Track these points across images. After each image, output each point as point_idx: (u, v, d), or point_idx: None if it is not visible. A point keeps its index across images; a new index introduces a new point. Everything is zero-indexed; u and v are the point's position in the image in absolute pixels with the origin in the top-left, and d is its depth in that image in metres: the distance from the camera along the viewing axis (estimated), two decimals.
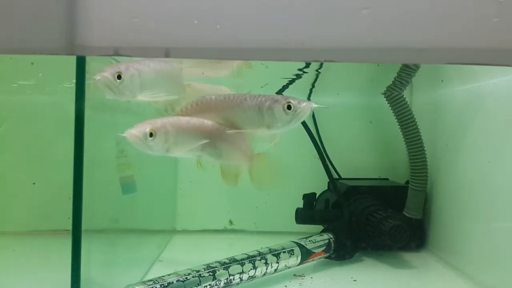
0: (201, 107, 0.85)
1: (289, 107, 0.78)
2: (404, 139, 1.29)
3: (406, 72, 1.21)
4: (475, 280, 1.05)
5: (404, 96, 1.27)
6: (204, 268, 0.93)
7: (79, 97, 0.69)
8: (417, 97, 1.47)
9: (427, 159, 1.29)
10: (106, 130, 0.91)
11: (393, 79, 1.25)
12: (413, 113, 1.26)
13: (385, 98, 1.29)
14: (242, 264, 0.98)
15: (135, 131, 0.76)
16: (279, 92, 1.35)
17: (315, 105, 0.78)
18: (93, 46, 0.63)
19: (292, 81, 1.29)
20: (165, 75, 0.88)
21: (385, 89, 1.28)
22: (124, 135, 0.74)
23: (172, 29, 0.63)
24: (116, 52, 0.63)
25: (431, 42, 0.62)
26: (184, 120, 0.84)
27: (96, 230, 0.97)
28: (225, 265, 0.96)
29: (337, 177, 1.55)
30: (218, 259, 0.98)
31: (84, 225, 0.75)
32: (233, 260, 0.98)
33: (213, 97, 0.85)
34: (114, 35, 0.63)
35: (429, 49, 0.62)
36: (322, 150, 1.50)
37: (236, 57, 0.63)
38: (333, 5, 0.62)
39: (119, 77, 0.76)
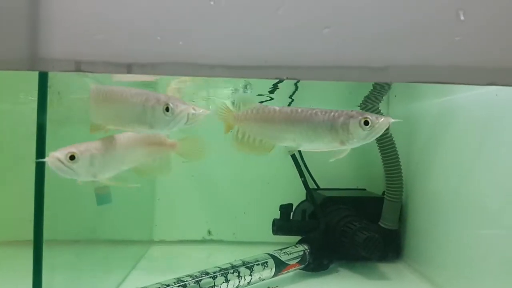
0: (262, 116, 0.81)
1: (366, 123, 0.74)
2: (379, 151, 1.30)
3: (381, 85, 1.22)
4: None
5: (380, 108, 1.28)
6: (174, 282, 0.92)
7: (41, 111, 0.68)
8: (393, 109, 1.48)
9: (402, 171, 1.30)
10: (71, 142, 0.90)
11: (368, 92, 1.26)
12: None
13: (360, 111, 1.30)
14: (214, 278, 0.98)
15: (57, 154, 0.71)
16: None
17: (393, 120, 0.75)
18: (55, 59, 0.62)
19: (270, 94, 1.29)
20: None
21: (361, 101, 1.29)
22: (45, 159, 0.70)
23: (134, 45, 0.63)
24: (78, 68, 0.62)
25: (392, 60, 0.63)
26: (110, 141, 0.81)
27: (62, 240, 0.96)
28: (196, 278, 0.95)
29: (315, 187, 1.55)
30: (194, 270, 0.98)
31: (48, 235, 0.74)
32: (205, 273, 0.98)
33: (277, 108, 0.81)
34: (76, 50, 0.63)
35: (390, 67, 0.63)
36: (301, 161, 1.50)
37: (198, 74, 0.63)
38: (295, 24, 0.62)
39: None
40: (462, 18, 0.63)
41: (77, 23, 0.63)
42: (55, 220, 0.95)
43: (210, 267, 1.02)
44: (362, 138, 0.76)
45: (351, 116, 0.76)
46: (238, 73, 0.62)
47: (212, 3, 0.62)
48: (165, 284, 0.91)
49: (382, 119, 0.74)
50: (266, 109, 0.81)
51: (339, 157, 0.82)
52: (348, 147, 0.80)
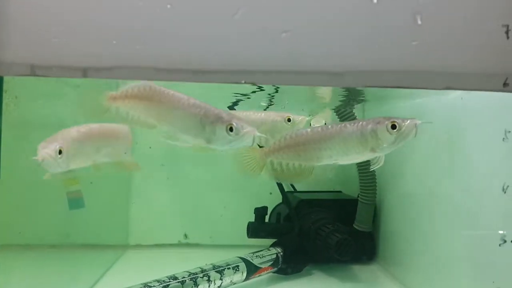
0: (295, 141, 0.83)
1: (393, 127, 0.75)
2: None
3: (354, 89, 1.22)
4: None
5: (354, 112, 1.28)
6: None
7: None
8: (369, 112, 1.48)
9: (375, 172, 1.30)
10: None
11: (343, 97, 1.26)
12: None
13: (335, 113, 1.31)
14: (183, 283, 0.97)
15: (48, 151, 0.72)
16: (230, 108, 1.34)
17: (419, 122, 0.75)
18: (10, 63, 0.61)
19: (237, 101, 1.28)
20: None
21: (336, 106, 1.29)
22: (36, 158, 0.71)
23: (90, 49, 0.62)
24: (33, 72, 0.61)
25: (350, 65, 0.63)
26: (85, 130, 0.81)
27: (24, 245, 0.95)
28: (164, 283, 0.94)
29: (291, 190, 1.55)
30: (169, 274, 0.97)
31: (8, 240, 0.72)
32: (173, 278, 0.97)
33: (307, 130, 0.83)
34: (31, 54, 0.62)
35: (348, 72, 0.63)
36: None
37: (155, 78, 0.62)
38: (253, 28, 0.62)
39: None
40: (419, 22, 0.63)
41: (32, 26, 0.62)
42: (20, 224, 0.93)
43: (180, 271, 1.01)
44: (391, 143, 0.77)
45: (378, 122, 0.76)
46: (195, 77, 0.62)
47: (169, 6, 0.62)
48: None
49: (408, 122, 0.75)
50: (296, 133, 0.83)
51: (378, 166, 0.82)
52: (381, 154, 0.80)
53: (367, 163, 1.28)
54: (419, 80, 0.64)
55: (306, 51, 0.62)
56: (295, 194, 1.50)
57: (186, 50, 0.62)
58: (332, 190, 1.57)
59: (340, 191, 1.56)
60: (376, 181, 1.31)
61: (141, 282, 0.94)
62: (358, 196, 1.35)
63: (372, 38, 0.63)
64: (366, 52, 0.63)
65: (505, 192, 0.69)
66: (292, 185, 1.56)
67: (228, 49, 0.62)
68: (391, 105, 1.30)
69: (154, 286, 0.92)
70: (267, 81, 0.63)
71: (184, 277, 0.98)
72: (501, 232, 0.69)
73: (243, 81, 0.62)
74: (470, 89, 0.66)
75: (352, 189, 1.53)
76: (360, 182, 1.32)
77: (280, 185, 1.37)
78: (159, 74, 0.61)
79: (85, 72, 0.62)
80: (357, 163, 1.31)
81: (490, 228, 0.73)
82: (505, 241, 0.68)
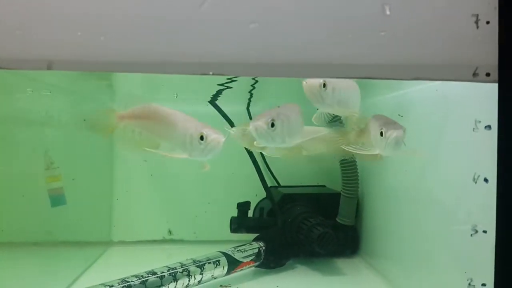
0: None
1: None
2: None
3: None
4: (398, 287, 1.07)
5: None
6: (118, 283, 0.91)
7: None
8: None
9: (357, 166, 1.30)
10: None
11: None
12: (343, 121, 1.27)
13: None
14: (161, 278, 0.97)
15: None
16: (212, 100, 1.34)
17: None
18: None
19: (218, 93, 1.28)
20: None
21: None
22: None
23: (55, 41, 0.61)
24: None
25: (319, 56, 0.62)
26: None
27: (6, 242, 0.94)
28: (142, 278, 0.94)
29: (276, 185, 1.55)
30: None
31: None
32: (152, 273, 0.96)
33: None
34: None
35: (316, 62, 0.62)
36: (262, 159, 1.50)
37: (122, 70, 0.61)
38: (220, 18, 0.62)
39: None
40: (387, 12, 0.63)
41: None
42: (5, 221, 0.92)
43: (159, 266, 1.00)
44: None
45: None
46: (161, 69, 0.61)
47: None
48: (109, 285, 0.89)
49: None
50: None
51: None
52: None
53: (349, 157, 1.29)
54: (388, 71, 0.64)
55: (274, 43, 0.62)
56: (279, 189, 1.49)
57: (152, 42, 0.61)
58: (316, 184, 1.57)
59: (324, 186, 1.56)
60: (358, 174, 1.31)
61: (119, 278, 0.93)
62: (341, 190, 1.35)
63: (340, 29, 0.62)
64: (335, 42, 0.63)
65: (476, 183, 0.69)
66: (276, 180, 1.56)
67: (195, 40, 0.61)
68: (372, 99, 1.30)
69: (132, 281, 0.92)
70: (235, 72, 0.62)
71: (163, 272, 0.98)
72: (472, 222, 0.69)
73: (210, 73, 0.61)
74: (439, 79, 0.66)
75: (336, 184, 1.53)
76: (342, 176, 1.33)
77: (263, 181, 1.36)
78: (122, 67, 0.61)
79: (50, 64, 0.61)
80: (339, 158, 1.31)
81: (463, 219, 0.73)
82: (476, 231, 0.68)
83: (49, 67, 0.61)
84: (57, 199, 1.12)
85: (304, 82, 0.77)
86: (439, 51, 0.64)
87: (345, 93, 0.82)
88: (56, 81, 1.08)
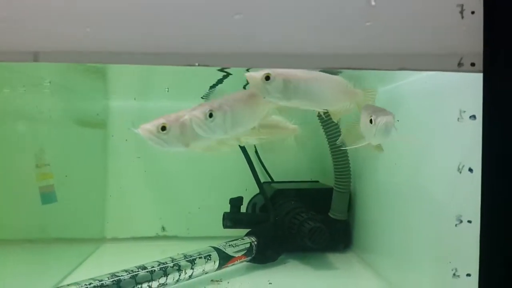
0: None
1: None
2: (327, 141, 1.31)
3: None
4: (389, 281, 1.07)
5: None
6: (108, 277, 0.91)
7: None
8: None
9: (349, 160, 1.30)
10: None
11: None
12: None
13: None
14: (152, 272, 0.96)
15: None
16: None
17: None
18: None
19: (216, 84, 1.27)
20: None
21: None
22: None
23: (40, 33, 0.61)
24: None
25: (304, 46, 0.63)
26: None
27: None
28: (132, 273, 0.94)
29: (269, 180, 1.55)
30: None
31: None
32: (142, 268, 0.96)
33: None
34: None
35: (303, 53, 0.63)
36: (255, 155, 1.50)
37: (107, 61, 0.61)
38: (205, 9, 0.62)
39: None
40: (373, 3, 0.63)
41: None
42: None
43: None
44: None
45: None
46: (147, 60, 0.61)
47: None
48: (98, 280, 0.89)
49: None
50: None
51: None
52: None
53: (342, 152, 1.29)
54: (374, 61, 0.64)
55: (259, 33, 0.62)
56: (272, 184, 1.50)
57: (138, 32, 0.61)
58: (309, 180, 1.57)
59: (317, 181, 1.56)
60: (350, 169, 1.31)
61: (109, 272, 0.93)
62: (333, 185, 1.35)
63: (326, 19, 0.63)
64: (319, 33, 0.63)
65: (460, 172, 0.69)
66: (269, 176, 1.56)
67: (180, 31, 0.62)
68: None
69: (122, 275, 0.92)
70: (221, 63, 0.62)
71: (153, 267, 0.98)
72: (457, 213, 0.69)
73: (196, 64, 0.62)
74: (425, 70, 0.66)
75: (329, 179, 1.53)
76: (335, 171, 1.33)
77: (256, 176, 1.36)
78: (110, 57, 0.61)
79: (36, 56, 0.61)
80: (331, 153, 1.31)
81: (449, 209, 0.73)
82: (461, 221, 0.69)
83: (35, 59, 0.61)
84: (47, 197, 1.12)
85: (246, 74, 0.73)
86: (424, 41, 0.64)
87: (306, 85, 0.77)
88: (47, 76, 1.08)
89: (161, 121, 0.76)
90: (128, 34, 0.61)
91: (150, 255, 1.38)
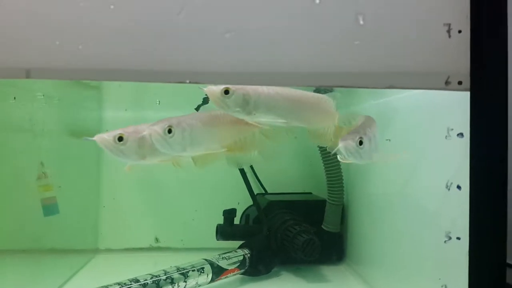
0: None
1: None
2: (320, 153, 1.32)
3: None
4: None
5: None
6: None
7: None
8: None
9: (342, 173, 1.31)
10: None
11: None
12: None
13: None
14: (145, 285, 0.97)
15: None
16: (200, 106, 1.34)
17: None
18: None
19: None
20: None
21: None
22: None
23: (32, 50, 0.62)
24: None
25: (293, 65, 0.64)
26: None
27: None
28: (125, 286, 0.94)
29: (262, 192, 1.55)
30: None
31: None
32: (135, 281, 0.96)
33: None
34: None
35: (292, 71, 0.64)
36: (249, 167, 1.51)
37: (100, 78, 0.62)
38: (197, 27, 0.62)
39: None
40: (361, 22, 0.64)
41: None
42: None
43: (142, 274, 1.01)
44: None
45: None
46: (139, 77, 0.62)
47: (112, 7, 0.62)
48: None
49: None
50: None
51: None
52: None
53: (334, 164, 1.30)
54: (362, 79, 0.65)
55: (250, 52, 0.63)
56: (265, 196, 1.50)
57: (129, 50, 0.62)
58: (302, 192, 1.57)
59: (310, 193, 1.56)
60: (343, 182, 1.32)
61: (102, 285, 0.93)
62: (326, 198, 1.36)
63: (315, 38, 0.64)
64: (308, 51, 0.64)
65: (449, 189, 0.70)
66: (263, 187, 1.57)
67: (172, 48, 0.62)
68: (357, 106, 1.32)
69: None
70: (211, 81, 0.63)
71: (146, 280, 0.98)
72: (446, 229, 0.70)
73: (187, 81, 0.62)
74: (413, 88, 0.67)
75: (322, 191, 1.53)
76: (328, 183, 1.33)
77: (249, 188, 1.37)
78: (101, 75, 0.61)
79: (28, 73, 0.61)
80: (324, 165, 1.32)
81: (438, 226, 0.74)
82: (450, 238, 0.69)
83: (27, 76, 0.61)
84: (50, 209, 1.12)
85: (205, 89, 0.73)
86: (412, 60, 0.65)
87: (269, 100, 0.76)
88: (42, 89, 1.09)
89: (119, 131, 0.77)
90: (121, 51, 0.62)
91: (143, 267, 1.39)
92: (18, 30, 0.62)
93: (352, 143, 0.74)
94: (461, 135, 0.67)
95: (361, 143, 0.75)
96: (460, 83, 0.65)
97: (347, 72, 0.64)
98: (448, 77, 0.65)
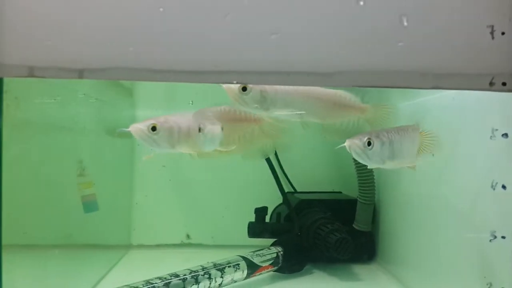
0: None
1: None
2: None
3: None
4: None
5: None
6: (143, 285, 0.93)
7: None
8: None
9: (374, 172, 1.32)
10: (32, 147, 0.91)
11: None
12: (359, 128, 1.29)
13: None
14: (184, 280, 0.99)
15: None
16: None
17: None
18: (8, 65, 0.64)
19: None
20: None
21: None
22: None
23: (85, 50, 0.64)
24: (31, 73, 0.64)
25: (339, 66, 0.65)
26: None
27: (35, 245, 0.97)
28: (165, 280, 0.96)
29: (292, 190, 1.56)
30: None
31: (12, 240, 0.75)
32: (174, 276, 0.99)
33: None
34: (29, 56, 0.64)
35: (337, 72, 0.65)
36: (278, 165, 1.52)
37: (148, 79, 0.64)
38: (244, 29, 0.64)
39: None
40: (405, 24, 0.65)
41: (29, 28, 0.64)
42: (24, 224, 0.96)
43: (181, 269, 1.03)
44: None
45: None
46: (188, 78, 0.64)
47: (161, 9, 0.64)
48: (133, 286, 0.92)
49: None
50: None
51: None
52: None
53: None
54: (407, 80, 0.66)
55: (294, 52, 0.64)
56: (295, 194, 1.51)
57: (179, 51, 0.64)
58: (331, 191, 1.58)
59: (340, 192, 1.57)
60: (375, 181, 1.32)
61: (143, 279, 0.96)
62: (357, 197, 1.36)
63: (360, 40, 0.65)
64: (353, 52, 0.65)
65: (494, 189, 0.70)
66: (292, 186, 1.58)
67: (220, 50, 0.64)
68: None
69: (155, 283, 0.94)
70: (258, 81, 0.65)
71: (185, 275, 1.00)
72: (491, 229, 0.70)
73: (234, 82, 0.64)
74: (457, 89, 0.68)
75: (352, 190, 1.54)
76: (359, 182, 1.34)
77: (280, 186, 1.38)
78: (151, 75, 0.63)
79: (81, 73, 0.64)
80: (355, 164, 1.33)
81: (481, 225, 0.74)
82: (495, 237, 0.70)
83: (80, 76, 0.64)
84: (89, 205, 1.15)
85: (224, 86, 0.76)
86: (456, 61, 0.65)
87: (286, 96, 0.79)
88: (83, 88, 1.12)
89: (151, 121, 0.80)
90: (170, 53, 0.64)
91: (176, 263, 1.41)
92: (73, 31, 0.64)
93: (357, 142, 0.75)
94: (505, 135, 0.68)
95: (369, 143, 0.75)
96: (504, 84, 0.65)
97: (391, 72, 0.65)
98: (492, 78, 0.65)
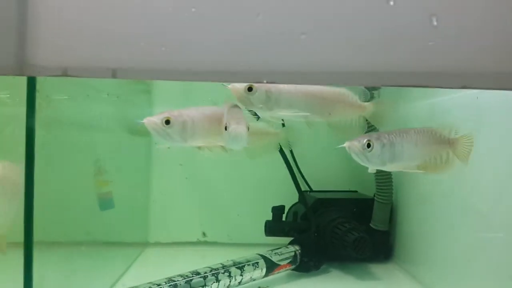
0: None
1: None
2: None
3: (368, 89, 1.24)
4: None
5: None
6: (165, 282, 0.94)
7: (30, 115, 0.71)
8: None
9: (391, 173, 1.32)
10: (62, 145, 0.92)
11: None
12: (376, 128, 1.29)
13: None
14: (205, 278, 1.00)
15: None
16: None
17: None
18: (42, 65, 0.65)
19: None
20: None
21: None
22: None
23: (118, 50, 0.65)
24: (65, 73, 0.65)
25: (368, 65, 0.65)
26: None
27: (56, 242, 0.98)
28: (187, 278, 0.97)
29: (308, 189, 1.57)
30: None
31: (39, 237, 0.76)
32: (196, 273, 1.00)
33: None
34: (63, 56, 0.65)
35: (366, 71, 0.65)
36: (294, 163, 1.52)
37: (180, 78, 0.65)
38: (275, 29, 0.65)
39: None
40: (435, 23, 0.65)
41: (63, 29, 0.65)
42: (48, 221, 0.97)
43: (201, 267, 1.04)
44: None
45: None
46: (220, 77, 0.65)
47: (193, 10, 0.64)
48: (156, 284, 0.93)
49: None
50: None
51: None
52: None
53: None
54: (435, 79, 0.66)
55: (324, 52, 0.65)
56: (311, 193, 1.52)
57: (211, 51, 0.65)
58: (347, 190, 1.58)
59: (356, 191, 1.57)
60: (392, 180, 1.32)
61: (166, 277, 0.97)
62: (374, 196, 1.37)
63: (390, 39, 0.65)
64: (383, 52, 0.65)
65: None
66: (308, 185, 1.58)
67: (252, 50, 0.65)
68: (407, 104, 1.32)
69: (178, 280, 0.95)
70: (288, 80, 0.65)
71: (206, 273, 1.01)
72: None
73: (264, 81, 0.65)
74: (485, 88, 0.68)
75: (367, 189, 1.54)
76: (376, 182, 1.34)
77: (297, 185, 1.39)
78: (183, 75, 0.64)
79: (114, 72, 0.65)
80: None
81: (503, 225, 0.74)
82: None
83: (113, 76, 0.65)
84: (106, 203, 1.17)
85: (229, 86, 0.77)
86: (485, 61, 0.66)
87: (290, 96, 0.80)
88: (103, 86, 1.13)
89: (165, 114, 0.80)
90: (202, 53, 0.65)
91: (192, 260, 1.43)
92: (105, 31, 0.65)
93: (356, 144, 0.75)
94: None
95: (369, 145, 0.75)
96: None
97: (421, 72, 0.65)
98: None
